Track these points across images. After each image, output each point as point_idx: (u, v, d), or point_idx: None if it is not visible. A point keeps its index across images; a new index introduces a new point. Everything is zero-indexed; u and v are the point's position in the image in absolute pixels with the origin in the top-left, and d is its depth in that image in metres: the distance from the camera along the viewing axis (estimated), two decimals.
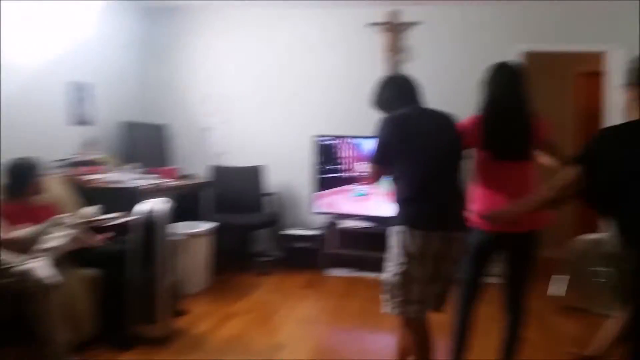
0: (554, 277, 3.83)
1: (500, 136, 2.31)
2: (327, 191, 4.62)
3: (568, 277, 3.74)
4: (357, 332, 3.28)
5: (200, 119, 5.13)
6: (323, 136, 4.63)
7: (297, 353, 2.86)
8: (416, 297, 2.14)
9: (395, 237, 2.15)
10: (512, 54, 4.49)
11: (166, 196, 3.83)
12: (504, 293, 2.43)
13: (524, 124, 2.32)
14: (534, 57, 4.60)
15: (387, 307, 2.19)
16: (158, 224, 2.94)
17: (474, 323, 2.40)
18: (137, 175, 4.00)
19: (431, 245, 2.10)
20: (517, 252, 2.38)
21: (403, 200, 2.18)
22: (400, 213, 2.17)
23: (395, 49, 4.76)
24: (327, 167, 4.62)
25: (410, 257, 2.11)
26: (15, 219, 2.77)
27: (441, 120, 2.30)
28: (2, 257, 2.42)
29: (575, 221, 5.40)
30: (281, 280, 4.28)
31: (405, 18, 4.74)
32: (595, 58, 4.64)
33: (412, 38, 4.76)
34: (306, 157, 4.72)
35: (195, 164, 4.97)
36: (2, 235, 2.57)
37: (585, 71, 5.38)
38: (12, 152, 3.08)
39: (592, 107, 5.03)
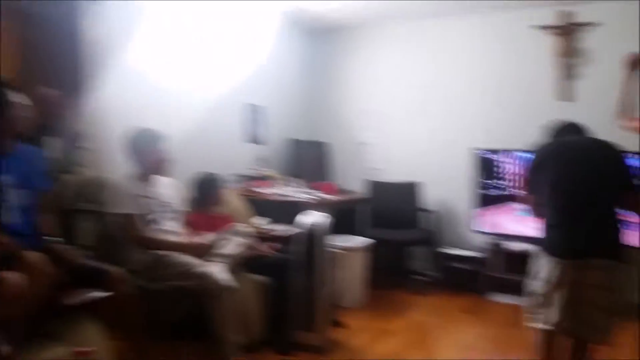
0: None
1: None
2: (488, 209, 4.38)
3: None
4: None
5: (357, 134, 5.28)
6: (483, 149, 4.42)
7: None
8: (554, 320, 2.24)
9: (537, 260, 2.32)
10: None
11: (326, 210, 4.01)
12: None
13: None
14: None
15: (531, 321, 2.33)
16: (319, 236, 3.07)
17: None
18: (300, 190, 4.25)
19: (567, 273, 2.18)
20: None
21: (547, 225, 2.30)
22: (544, 238, 2.31)
23: (569, 53, 4.35)
24: (488, 183, 4.38)
25: (547, 282, 2.24)
26: (198, 227, 3.11)
27: (600, 150, 2.31)
28: (186, 260, 2.75)
29: None
30: (438, 302, 4.16)
31: (579, 18, 4.31)
32: None
33: (588, 40, 4.31)
34: (465, 172, 4.54)
35: (353, 179, 5.11)
36: (186, 241, 2.93)
37: None
38: (198, 166, 3.47)
39: None
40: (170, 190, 3.04)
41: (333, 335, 3.16)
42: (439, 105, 4.91)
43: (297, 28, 5.21)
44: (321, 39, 5.44)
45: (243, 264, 3.00)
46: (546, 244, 2.28)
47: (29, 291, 1.75)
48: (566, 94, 4.37)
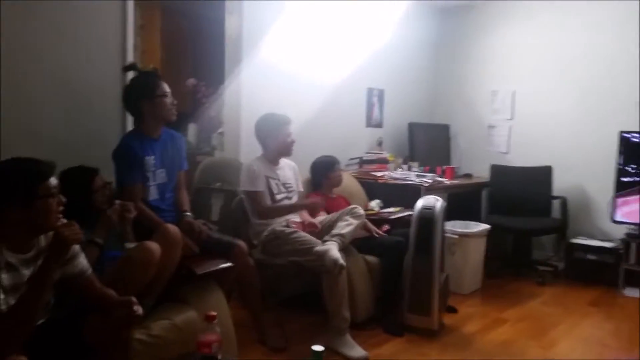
0: None
1: None
2: (632, 197, 3.97)
3: None
4: None
5: (485, 117, 5.08)
6: (632, 132, 3.99)
7: None
8: None
9: None
10: None
11: (445, 194, 3.97)
12: None
13: None
14: None
15: None
16: (435, 220, 3.07)
17: None
18: (418, 173, 4.25)
19: None
20: None
21: None
22: None
23: None
24: (635, 169, 3.97)
25: None
26: (316, 208, 3.31)
27: None
28: (307, 238, 2.93)
29: None
30: (563, 293, 3.91)
31: None
32: None
33: None
34: (606, 157, 4.15)
35: (479, 163, 4.94)
36: (307, 220, 3.12)
37: None
38: (319, 150, 3.67)
39: None
40: (292, 172, 3.26)
41: (445, 320, 3.16)
42: (578, 83, 4.52)
43: (424, 6, 5.10)
44: (450, 16, 5.27)
45: (356, 244, 3.13)
46: None
47: (164, 260, 2.05)
48: None
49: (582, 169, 4.44)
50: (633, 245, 3.90)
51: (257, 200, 2.98)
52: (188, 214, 2.58)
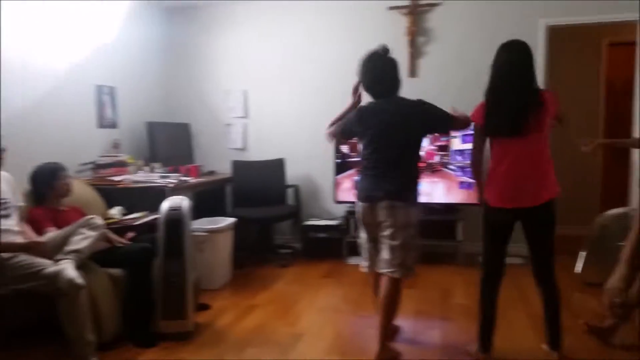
0: (581, 253, 3.80)
1: (498, 114, 2.42)
2: (344, 176, 4.64)
3: (584, 253, 3.78)
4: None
5: (222, 115, 5.24)
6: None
7: (317, 341, 2.93)
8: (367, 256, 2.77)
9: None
10: (536, 29, 4.44)
11: (188, 193, 3.96)
12: (533, 270, 2.54)
13: (523, 100, 2.38)
14: (560, 31, 4.49)
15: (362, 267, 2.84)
16: (184, 220, 3.04)
17: (498, 304, 2.56)
18: (161, 174, 4.13)
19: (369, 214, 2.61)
20: (534, 226, 2.47)
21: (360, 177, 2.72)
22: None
23: (417, 32, 4.71)
24: (346, 156, 4.64)
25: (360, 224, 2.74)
26: (42, 223, 2.92)
27: (404, 107, 2.60)
28: (32, 261, 2.57)
29: (603, 198, 5.32)
30: (302, 271, 4.37)
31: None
32: (628, 27, 4.41)
33: (433, 20, 4.70)
34: (327, 147, 4.73)
35: (219, 160, 5.10)
36: (31, 239, 2.72)
37: (618, 40, 5.20)
38: (43, 154, 3.25)
39: (626, 78, 4.81)
40: (6, 185, 2.79)
41: (198, 319, 3.18)
42: (302, 83, 5.05)
43: (155, 5, 4.97)
44: (179, 16, 5.25)
45: (96, 258, 2.88)
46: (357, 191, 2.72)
47: None
48: (413, 71, 4.74)
49: (309, 160, 5.01)
50: (352, 221, 4.59)
51: None
52: None
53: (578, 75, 5.39)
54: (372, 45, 4.92)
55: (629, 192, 4.46)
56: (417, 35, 4.71)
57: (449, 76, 4.66)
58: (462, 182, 4.38)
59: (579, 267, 3.81)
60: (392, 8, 4.72)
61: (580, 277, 3.76)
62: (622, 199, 4.47)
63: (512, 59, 2.42)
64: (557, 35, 4.55)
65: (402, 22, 4.71)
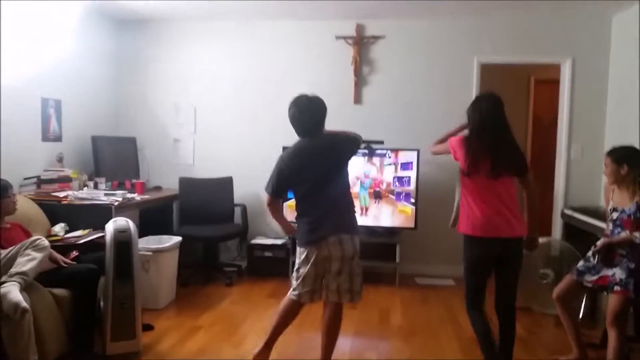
0: None
1: (487, 156, 2.60)
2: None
3: None
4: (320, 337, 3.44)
5: (171, 130, 5.26)
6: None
7: None
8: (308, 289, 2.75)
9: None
10: (470, 65, 4.79)
11: (134, 210, 3.96)
12: (497, 296, 2.71)
13: (507, 146, 2.62)
14: (492, 68, 4.86)
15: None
16: (132, 242, 3.06)
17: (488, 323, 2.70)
18: (107, 191, 4.11)
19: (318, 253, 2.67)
20: (509, 258, 2.66)
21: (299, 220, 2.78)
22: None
23: (362, 62, 4.96)
24: None
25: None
26: None
27: (325, 144, 2.74)
28: None
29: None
30: (248, 290, 4.45)
31: (370, 32, 4.95)
32: (554, 67, 4.85)
33: (377, 51, 4.98)
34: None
35: (166, 176, 5.11)
36: None
37: (545, 78, 5.66)
38: None
39: (551, 113, 5.25)
40: None
41: (143, 340, 3.18)
42: (252, 104, 5.16)
43: (104, 16, 4.94)
44: (129, 30, 5.24)
45: (40, 279, 2.85)
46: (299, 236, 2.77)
47: None
48: (357, 98, 4.98)
49: (256, 178, 5.09)
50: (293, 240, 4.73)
51: None
52: None
53: (508, 109, 5.81)
54: (321, 70, 5.17)
55: (553, 221, 4.86)
56: (361, 64, 4.97)
57: (389, 104, 4.94)
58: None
59: None
60: (338, 37, 4.95)
61: None
62: (546, 228, 4.85)
63: (495, 107, 2.66)
64: (490, 72, 4.94)
65: (349, 52, 4.95)
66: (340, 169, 2.79)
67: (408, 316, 3.87)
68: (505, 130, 2.66)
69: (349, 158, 2.85)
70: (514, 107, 5.81)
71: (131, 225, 3.15)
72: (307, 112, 2.75)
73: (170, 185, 4.99)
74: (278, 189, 2.79)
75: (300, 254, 2.76)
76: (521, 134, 5.89)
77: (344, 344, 3.24)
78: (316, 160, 2.69)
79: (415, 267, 4.96)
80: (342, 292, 2.72)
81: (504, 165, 2.60)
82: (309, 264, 2.70)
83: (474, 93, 4.63)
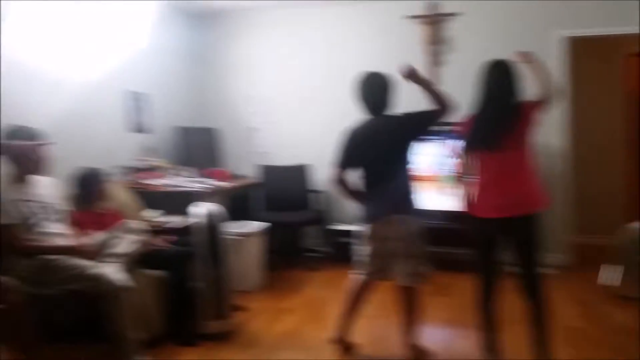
0: (603, 265, 3.80)
1: (480, 130, 2.52)
2: None
3: (621, 266, 3.71)
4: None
5: (246, 119, 5.33)
6: None
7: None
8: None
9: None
10: (553, 40, 4.44)
11: (219, 197, 4.05)
12: (519, 281, 2.56)
13: (503, 116, 2.49)
14: (577, 42, 4.49)
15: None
16: (220, 225, 3.15)
17: (498, 311, 2.59)
18: (192, 179, 4.22)
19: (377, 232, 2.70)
20: (517, 237, 2.52)
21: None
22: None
23: (436, 41, 4.76)
24: None
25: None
26: (85, 226, 3.00)
27: (389, 123, 2.73)
28: (77, 263, 2.66)
29: (626, 209, 5.28)
30: (331, 276, 4.42)
31: (444, 9, 4.73)
32: None
33: (452, 29, 4.75)
34: None
35: (245, 164, 5.17)
36: (75, 242, 2.81)
37: (635, 52, 5.19)
38: (75, 160, 3.31)
39: None
40: (50, 189, 2.89)
41: (234, 320, 3.25)
42: (323, 89, 5.10)
43: (180, 12, 5.06)
44: (206, 23, 5.34)
45: (138, 260, 2.96)
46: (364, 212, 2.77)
47: None
48: (434, 79, 4.79)
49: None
50: None
51: (12, 233, 2.57)
52: None
53: (596, 86, 5.37)
54: (389, 52, 5.00)
55: None
56: (435, 44, 4.75)
57: (469, 84, 4.69)
58: None
59: (603, 279, 3.79)
60: (410, 17, 4.77)
61: (609, 289, 3.71)
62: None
63: (498, 75, 2.55)
64: (576, 46, 4.55)
65: (420, 31, 4.77)
66: (403, 150, 2.73)
67: (504, 305, 3.65)
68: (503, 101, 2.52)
69: (421, 133, 2.79)
70: (604, 84, 5.39)
71: (219, 209, 3.22)
72: (370, 89, 2.77)
73: (247, 173, 5.05)
74: (341, 160, 2.81)
75: (362, 232, 2.77)
76: (615, 110, 5.42)
77: (434, 332, 3.12)
78: (378, 139, 2.69)
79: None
80: (402, 274, 2.68)
81: (505, 138, 2.46)
82: (371, 242, 2.72)
83: (557, 70, 4.30)
